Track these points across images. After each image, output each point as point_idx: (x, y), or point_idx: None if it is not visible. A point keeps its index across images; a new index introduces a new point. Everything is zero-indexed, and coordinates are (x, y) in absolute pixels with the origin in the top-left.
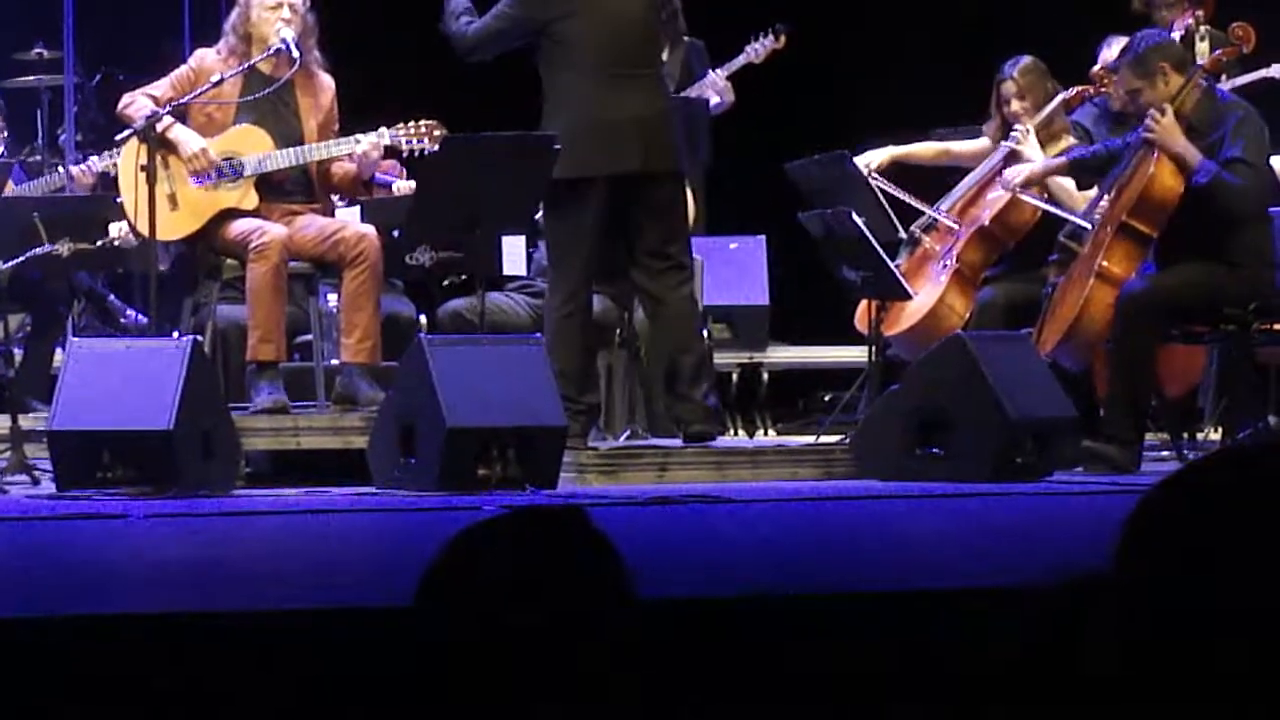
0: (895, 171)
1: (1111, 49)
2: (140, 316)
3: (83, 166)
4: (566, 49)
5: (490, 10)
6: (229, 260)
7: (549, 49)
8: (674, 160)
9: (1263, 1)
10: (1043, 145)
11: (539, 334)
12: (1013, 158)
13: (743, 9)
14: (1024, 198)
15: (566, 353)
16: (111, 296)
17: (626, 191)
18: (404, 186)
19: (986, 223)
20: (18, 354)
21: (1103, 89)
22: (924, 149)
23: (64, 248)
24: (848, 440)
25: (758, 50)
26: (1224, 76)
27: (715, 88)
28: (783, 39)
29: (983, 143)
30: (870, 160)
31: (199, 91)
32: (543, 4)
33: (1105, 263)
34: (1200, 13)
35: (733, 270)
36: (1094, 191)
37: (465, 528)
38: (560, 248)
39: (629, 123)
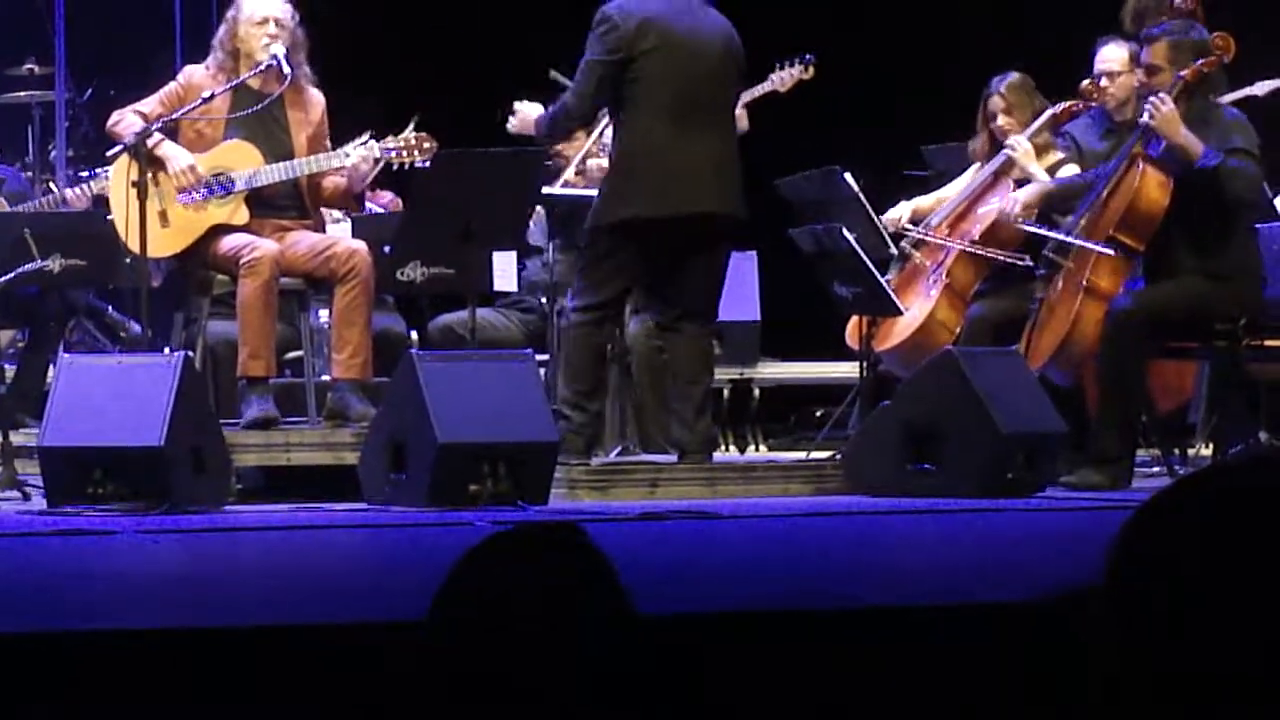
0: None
1: (1108, 46)
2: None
3: (78, 190)
4: (644, 87)
5: (575, 77)
6: (220, 276)
7: (627, 88)
8: (737, 206)
9: (1248, 18)
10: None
11: (530, 349)
12: (1008, 166)
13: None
14: (1029, 228)
15: (583, 372)
16: (111, 309)
17: (687, 232)
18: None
19: (976, 238)
20: (9, 369)
21: (1092, 103)
22: (925, 202)
23: (55, 263)
24: (839, 456)
25: (783, 79)
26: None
27: None
28: (811, 70)
29: (968, 176)
30: (900, 215)
31: (189, 108)
32: (628, 40)
33: (1092, 278)
34: None
35: (724, 285)
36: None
37: (481, 543)
38: (603, 269)
39: (701, 165)
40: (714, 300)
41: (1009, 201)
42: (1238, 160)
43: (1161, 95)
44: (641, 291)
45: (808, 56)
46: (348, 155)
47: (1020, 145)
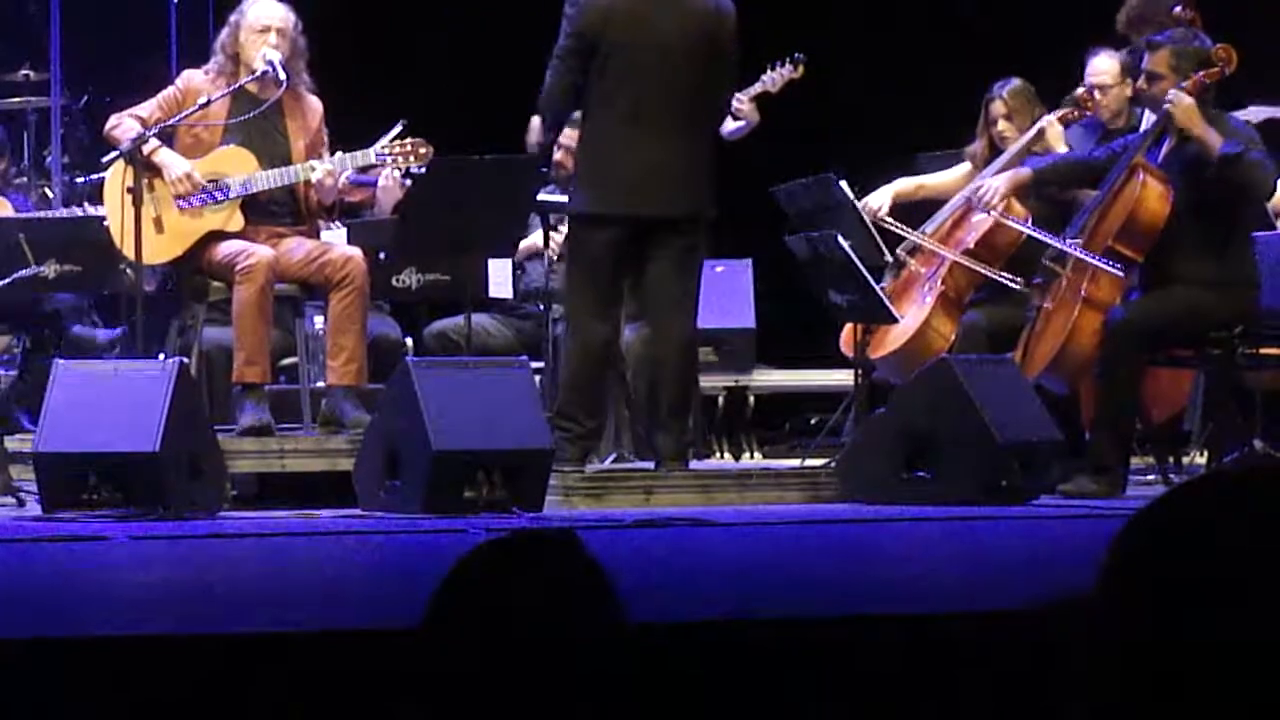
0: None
1: (1099, 58)
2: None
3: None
4: (607, 85)
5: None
6: (215, 282)
7: (591, 81)
8: (697, 206)
9: (1245, 28)
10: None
11: (525, 356)
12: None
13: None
14: (1007, 222)
15: (574, 377)
16: (74, 329)
17: (647, 232)
18: (389, 176)
19: (971, 246)
20: (3, 375)
21: (1088, 110)
22: (905, 186)
23: (50, 269)
24: (834, 463)
25: (774, 79)
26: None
27: (738, 111)
28: (800, 69)
29: (959, 171)
30: (880, 204)
31: (186, 113)
32: (594, 24)
33: (1090, 288)
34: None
35: (719, 293)
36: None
37: (476, 550)
38: (577, 276)
39: (654, 168)
40: (683, 305)
41: (985, 189)
42: (1256, 152)
43: (1175, 92)
44: (630, 286)
45: (798, 56)
46: (313, 169)
47: (1050, 128)
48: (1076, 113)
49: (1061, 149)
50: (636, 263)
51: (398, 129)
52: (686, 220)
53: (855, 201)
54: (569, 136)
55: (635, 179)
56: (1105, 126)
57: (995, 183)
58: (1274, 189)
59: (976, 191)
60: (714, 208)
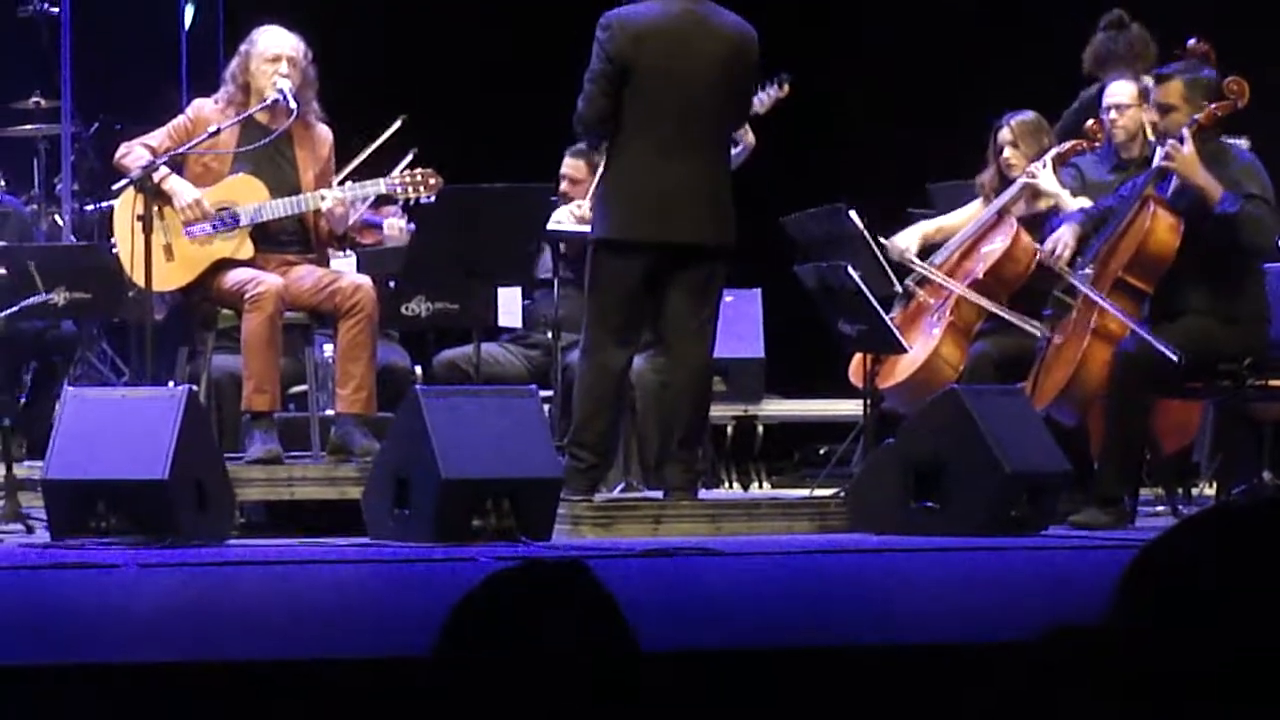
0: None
1: (1119, 82)
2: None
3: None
4: (633, 108)
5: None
6: (224, 310)
7: (622, 106)
8: (723, 233)
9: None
10: (1032, 200)
11: (534, 385)
12: (1012, 204)
13: None
14: (1060, 270)
15: (589, 404)
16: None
17: (673, 259)
18: (395, 224)
19: (980, 276)
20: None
21: (1095, 143)
22: (928, 228)
23: (59, 297)
24: (842, 493)
25: (762, 100)
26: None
27: (735, 135)
28: (787, 88)
29: (970, 209)
30: (908, 245)
31: (196, 141)
32: (625, 49)
33: (1101, 320)
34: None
35: (728, 322)
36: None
37: (487, 579)
38: (598, 304)
39: (678, 193)
40: (702, 333)
41: (1058, 244)
42: (1254, 207)
43: (1183, 135)
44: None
45: (783, 75)
46: (323, 198)
47: (1040, 172)
48: (1085, 144)
49: (1055, 189)
50: (659, 289)
51: (408, 158)
52: (712, 248)
53: (865, 232)
54: (572, 167)
55: (664, 205)
56: (1120, 155)
57: (1066, 236)
58: (1271, 239)
59: (1052, 254)
60: (734, 235)
